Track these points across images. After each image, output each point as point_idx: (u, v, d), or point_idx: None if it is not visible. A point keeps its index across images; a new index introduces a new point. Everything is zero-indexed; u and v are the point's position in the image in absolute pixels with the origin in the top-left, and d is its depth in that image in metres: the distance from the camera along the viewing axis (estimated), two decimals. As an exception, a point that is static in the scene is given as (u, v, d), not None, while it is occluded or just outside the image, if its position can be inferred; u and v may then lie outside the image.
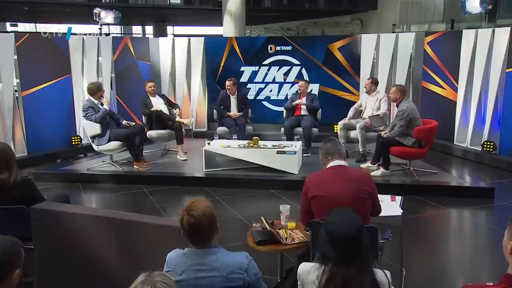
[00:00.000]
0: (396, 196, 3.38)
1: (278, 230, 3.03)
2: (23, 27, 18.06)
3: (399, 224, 3.20)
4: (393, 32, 10.45)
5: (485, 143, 6.59)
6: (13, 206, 2.99)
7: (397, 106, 5.60)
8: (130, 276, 1.52)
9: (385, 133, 5.63)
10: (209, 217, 2.01)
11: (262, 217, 3.16)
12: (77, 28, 10.75)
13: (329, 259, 1.83)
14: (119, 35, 16.37)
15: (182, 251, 2.07)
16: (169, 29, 19.24)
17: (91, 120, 5.87)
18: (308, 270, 1.92)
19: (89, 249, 2.76)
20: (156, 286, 1.42)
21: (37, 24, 17.49)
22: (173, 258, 2.07)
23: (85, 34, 7.77)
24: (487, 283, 1.58)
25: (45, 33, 7.08)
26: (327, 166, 2.85)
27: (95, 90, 5.96)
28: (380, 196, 2.96)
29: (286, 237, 2.96)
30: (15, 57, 6.58)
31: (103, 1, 12.18)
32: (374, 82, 6.50)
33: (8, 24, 17.47)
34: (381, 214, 2.92)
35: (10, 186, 2.99)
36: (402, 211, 3.16)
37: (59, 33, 7.24)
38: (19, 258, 1.71)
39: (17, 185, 3.02)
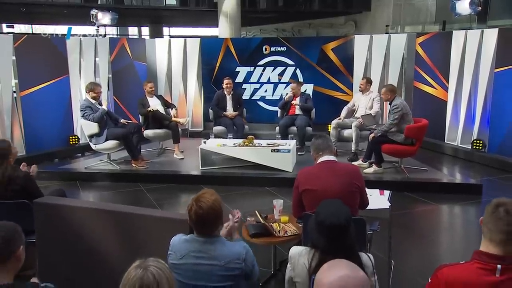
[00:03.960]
0: (384, 190, 3.50)
1: (271, 224, 3.15)
2: (19, 28, 18.06)
3: (387, 217, 3.32)
4: (386, 33, 10.59)
5: (475, 141, 6.74)
6: (15, 199, 3.18)
7: (390, 104, 5.77)
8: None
9: (375, 132, 5.76)
10: (216, 211, 2.10)
11: (256, 211, 3.28)
12: (74, 29, 10.81)
13: (318, 247, 1.94)
14: (115, 36, 16.43)
15: (185, 238, 2.18)
16: (165, 30, 19.33)
17: (89, 120, 5.98)
18: (299, 253, 2.03)
19: (90, 241, 2.86)
20: (149, 270, 1.48)
21: (33, 26, 17.52)
22: (175, 243, 2.18)
23: (83, 35, 7.86)
24: (461, 262, 1.71)
25: (45, 33, 7.18)
26: (318, 161, 2.97)
27: (90, 88, 6.16)
28: (369, 191, 3.09)
29: (279, 230, 3.08)
30: (14, 57, 6.66)
31: (99, 2, 12.25)
32: (369, 81, 6.71)
33: (4, 25, 17.47)
34: (369, 207, 3.05)
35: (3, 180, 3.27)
36: (390, 204, 3.28)
37: (59, 34, 7.33)
38: (21, 236, 1.87)
39: (18, 179, 3.31)
